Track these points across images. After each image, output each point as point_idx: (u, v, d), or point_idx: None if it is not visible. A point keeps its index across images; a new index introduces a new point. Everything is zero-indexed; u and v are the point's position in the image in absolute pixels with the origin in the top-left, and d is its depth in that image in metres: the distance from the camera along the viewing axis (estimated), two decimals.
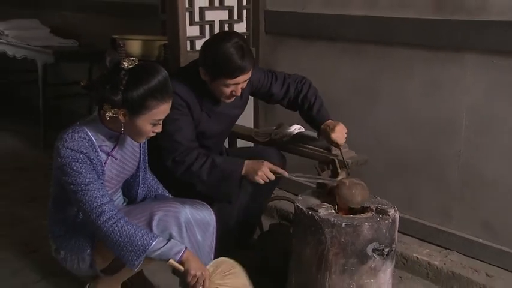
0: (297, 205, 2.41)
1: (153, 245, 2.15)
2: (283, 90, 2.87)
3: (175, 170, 2.59)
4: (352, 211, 2.42)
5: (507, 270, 2.77)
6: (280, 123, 3.05)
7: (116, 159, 2.35)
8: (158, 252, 2.17)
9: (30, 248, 3.13)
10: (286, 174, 2.59)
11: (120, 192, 2.56)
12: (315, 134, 2.83)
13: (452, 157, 2.89)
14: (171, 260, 2.19)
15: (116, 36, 3.74)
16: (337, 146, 2.64)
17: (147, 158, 2.56)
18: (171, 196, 2.62)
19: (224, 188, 2.61)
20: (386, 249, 2.29)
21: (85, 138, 2.20)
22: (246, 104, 2.95)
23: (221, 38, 2.58)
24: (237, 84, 2.55)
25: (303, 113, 2.85)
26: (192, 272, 2.18)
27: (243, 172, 2.56)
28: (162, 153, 2.59)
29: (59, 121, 5.07)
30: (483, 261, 2.85)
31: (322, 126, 2.71)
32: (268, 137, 3.00)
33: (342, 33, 3.20)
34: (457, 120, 2.85)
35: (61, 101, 5.16)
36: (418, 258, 2.91)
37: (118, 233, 2.15)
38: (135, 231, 2.16)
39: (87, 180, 2.16)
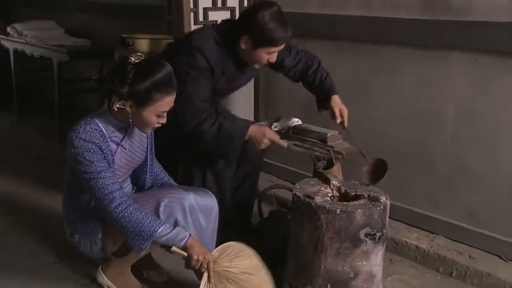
0: (294, 193, 2.39)
1: (159, 231, 2.16)
2: (294, 63, 2.88)
3: (184, 127, 2.57)
4: (346, 198, 2.41)
5: (488, 252, 2.78)
6: (279, 116, 3.02)
7: (125, 148, 2.34)
8: (164, 238, 2.18)
9: (46, 232, 3.11)
10: (285, 145, 2.65)
11: (129, 181, 2.55)
12: (312, 127, 2.81)
13: (440, 148, 2.88)
14: (173, 248, 2.20)
15: (126, 36, 3.74)
16: (342, 116, 2.73)
17: (153, 148, 2.55)
18: (176, 184, 2.61)
19: (227, 149, 2.63)
20: (378, 234, 2.28)
21: (96, 130, 2.19)
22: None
23: (264, 8, 2.52)
24: (276, 52, 2.57)
25: (313, 85, 2.88)
26: (195, 257, 2.18)
27: (247, 137, 2.59)
28: (176, 108, 2.50)
29: (73, 115, 5.05)
30: (466, 244, 2.85)
31: (333, 96, 2.78)
32: None
33: (338, 32, 3.19)
34: (444, 113, 2.84)
35: (75, 96, 5.15)
36: (407, 242, 2.91)
37: (127, 219, 2.15)
38: (143, 218, 2.16)
39: (98, 168, 2.16)
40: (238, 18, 2.61)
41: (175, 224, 2.27)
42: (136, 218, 2.15)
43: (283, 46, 2.58)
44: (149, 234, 2.15)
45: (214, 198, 2.45)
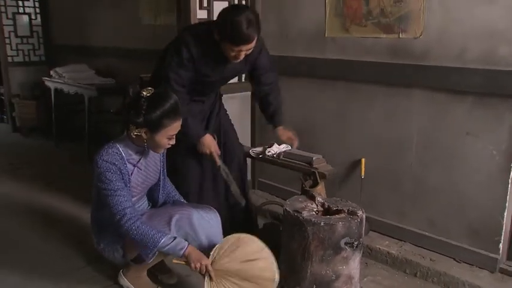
0: (285, 208, 2.35)
1: (162, 241, 2.13)
2: (267, 82, 2.76)
3: None
4: (329, 212, 2.36)
5: (445, 255, 2.74)
6: (271, 142, 2.96)
7: (140, 169, 2.30)
8: (167, 247, 2.15)
9: (77, 239, 3.05)
10: (218, 163, 2.62)
11: (145, 198, 2.50)
12: (300, 152, 2.75)
13: (406, 169, 2.84)
14: (174, 260, 2.21)
15: (143, 75, 3.73)
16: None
17: (165, 170, 2.50)
18: (185, 202, 2.55)
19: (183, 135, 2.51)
20: (356, 243, 2.24)
21: (117, 153, 2.19)
22: (248, 69, 2.74)
23: (235, 9, 2.38)
24: (240, 51, 2.36)
25: (266, 112, 2.85)
26: (192, 264, 2.16)
27: (198, 141, 2.56)
28: (160, 82, 2.48)
29: (100, 140, 5.02)
30: (428, 249, 2.80)
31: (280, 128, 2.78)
32: (262, 154, 2.91)
33: (319, 72, 3.16)
34: (408, 140, 2.80)
35: (101, 125, 5.13)
36: (379, 248, 2.85)
37: (135, 231, 2.14)
38: (148, 230, 2.14)
39: (115, 187, 2.15)
40: (218, 14, 2.42)
41: (186, 236, 2.23)
42: (143, 231, 2.13)
43: (245, 47, 2.35)
44: (153, 244, 2.13)
45: (217, 214, 2.39)
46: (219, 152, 2.63)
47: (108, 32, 5.22)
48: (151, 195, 2.51)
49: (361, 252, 2.34)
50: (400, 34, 2.71)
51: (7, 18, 5.89)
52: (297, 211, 2.27)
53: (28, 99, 5.81)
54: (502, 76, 2.37)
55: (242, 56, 2.41)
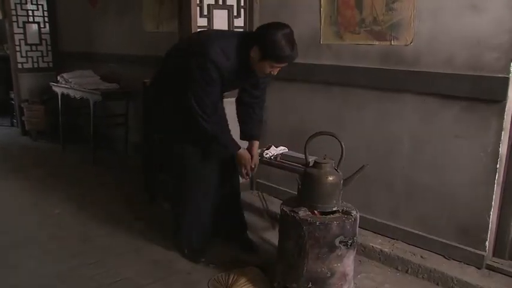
0: (282, 208, 2.33)
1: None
2: (253, 97, 2.70)
3: (193, 111, 2.39)
4: (324, 212, 2.34)
5: (435, 252, 2.72)
6: (269, 145, 2.96)
7: None
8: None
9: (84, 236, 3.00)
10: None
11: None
12: (297, 154, 2.74)
13: (398, 170, 2.82)
14: None
15: (146, 80, 3.70)
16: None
17: None
18: None
19: (210, 144, 2.58)
20: (350, 241, 2.22)
21: None
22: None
23: (278, 27, 2.28)
24: (279, 68, 2.34)
25: (245, 123, 2.77)
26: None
27: (236, 154, 2.60)
28: (190, 99, 2.39)
29: (104, 144, 5.09)
30: (419, 247, 2.78)
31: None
32: (261, 156, 2.90)
33: (315, 77, 3.15)
34: (400, 142, 2.78)
35: (106, 128, 5.11)
36: (373, 246, 2.83)
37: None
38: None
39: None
40: (255, 30, 2.37)
41: None
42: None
43: (284, 64, 2.34)
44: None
45: None
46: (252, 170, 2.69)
47: (112, 39, 5.21)
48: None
49: (355, 250, 2.32)
50: (392, 41, 2.70)
51: (18, 27, 5.95)
52: (294, 211, 2.26)
53: (36, 104, 5.81)
54: (488, 82, 2.36)
55: (276, 72, 2.38)
